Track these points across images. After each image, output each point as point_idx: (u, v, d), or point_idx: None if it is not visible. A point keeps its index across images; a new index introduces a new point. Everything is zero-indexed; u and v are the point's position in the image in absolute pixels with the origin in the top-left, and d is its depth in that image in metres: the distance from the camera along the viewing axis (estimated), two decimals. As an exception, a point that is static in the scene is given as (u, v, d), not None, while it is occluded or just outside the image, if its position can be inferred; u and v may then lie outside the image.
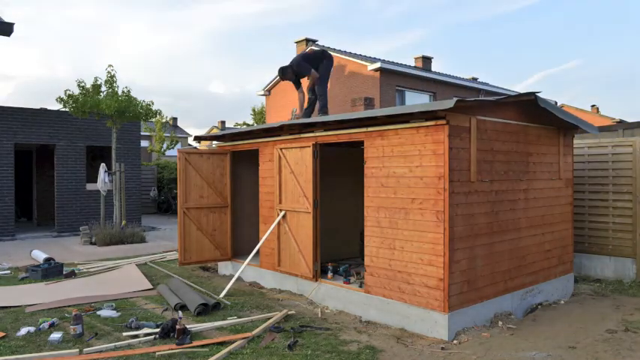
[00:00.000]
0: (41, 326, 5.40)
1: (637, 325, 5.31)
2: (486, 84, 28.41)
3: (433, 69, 26.29)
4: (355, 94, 20.99)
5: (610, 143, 7.67)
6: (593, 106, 39.86)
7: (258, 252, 7.32)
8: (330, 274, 6.62)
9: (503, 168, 5.68)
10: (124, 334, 5.21)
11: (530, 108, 5.90)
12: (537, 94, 5.62)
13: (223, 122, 60.56)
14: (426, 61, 26.43)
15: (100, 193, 12.85)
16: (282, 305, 6.29)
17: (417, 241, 5.22)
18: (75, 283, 7.72)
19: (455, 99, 4.80)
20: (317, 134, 6.55)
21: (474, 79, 28.75)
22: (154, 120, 18.39)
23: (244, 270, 7.42)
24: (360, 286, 6.04)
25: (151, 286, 7.33)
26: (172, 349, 4.70)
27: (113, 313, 5.95)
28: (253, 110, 40.33)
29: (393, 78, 21.96)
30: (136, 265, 9.00)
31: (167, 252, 10.63)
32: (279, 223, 7.04)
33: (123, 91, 12.92)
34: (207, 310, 5.94)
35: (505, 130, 5.72)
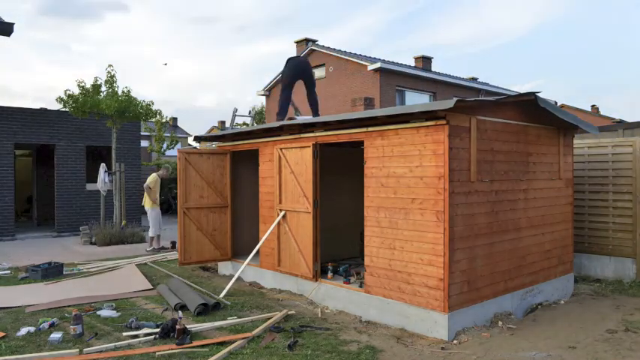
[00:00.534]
0: (41, 326, 5.40)
1: (637, 325, 5.31)
2: (486, 84, 28.42)
3: (433, 69, 26.30)
4: (355, 94, 20.98)
5: (610, 143, 7.67)
6: (593, 106, 39.87)
7: (258, 252, 7.32)
8: (330, 274, 6.62)
9: (503, 168, 5.68)
10: (124, 334, 5.21)
11: (530, 108, 5.90)
12: (537, 94, 5.62)
13: (223, 122, 60.55)
14: (426, 61, 26.45)
15: (100, 193, 12.85)
16: (282, 305, 6.29)
17: (417, 241, 5.22)
18: (75, 283, 7.72)
19: (455, 99, 4.80)
20: (317, 134, 6.55)
21: (474, 79, 28.75)
22: (153, 120, 18.36)
23: (244, 270, 7.42)
24: (360, 286, 6.04)
25: (151, 286, 7.33)
26: (172, 349, 4.70)
27: (113, 313, 5.95)
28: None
29: (393, 78, 21.96)
30: (136, 265, 9.00)
31: (167, 252, 10.64)
32: (279, 223, 7.04)
33: (123, 91, 12.92)
34: (207, 310, 5.94)
35: (505, 130, 5.72)
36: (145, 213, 11.76)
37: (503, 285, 5.70)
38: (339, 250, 8.09)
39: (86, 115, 12.83)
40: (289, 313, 5.85)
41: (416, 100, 22.31)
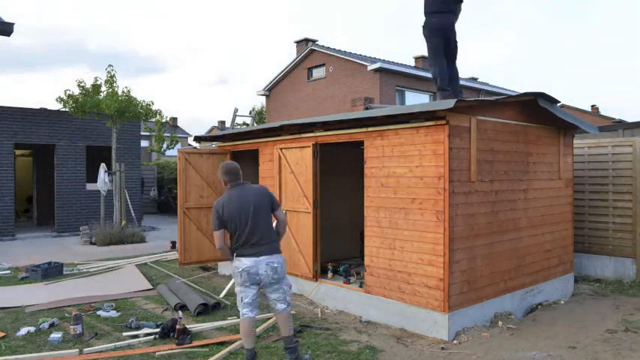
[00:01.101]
0: (41, 326, 5.40)
1: (637, 325, 5.31)
2: (486, 84, 28.42)
3: (433, 69, 26.21)
4: (355, 94, 20.98)
5: (610, 143, 7.66)
6: (593, 106, 39.84)
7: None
8: (330, 274, 6.62)
9: (503, 168, 5.68)
10: (124, 334, 5.21)
11: (530, 108, 5.90)
12: (537, 94, 5.62)
13: (223, 122, 60.54)
14: (426, 61, 26.40)
15: (100, 193, 12.85)
16: (282, 305, 6.28)
17: (417, 241, 5.21)
18: (75, 283, 7.72)
19: (455, 99, 4.80)
20: (317, 134, 6.55)
21: (474, 79, 28.76)
22: (153, 120, 18.37)
23: (244, 270, 7.41)
24: (360, 286, 6.04)
25: (151, 286, 7.33)
26: (172, 349, 4.70)
27: (113, 313, 5.95)
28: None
29: (393, 78, 21.96)
30: (136, 265, 9.00)
31: (167, 252, 10.64)
32: (279, 223, 7.03)
33: (123, 91, 12.92)
34: (207, 310, 5.94)
35: (505, 130, 5.71)
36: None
37: (503, 285, 5.69)
38: (339, 250, 8.09)
39: (86, 115, 12.83)
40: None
41: (416, 100, 22.30)
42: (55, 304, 6.36)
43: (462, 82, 27.60)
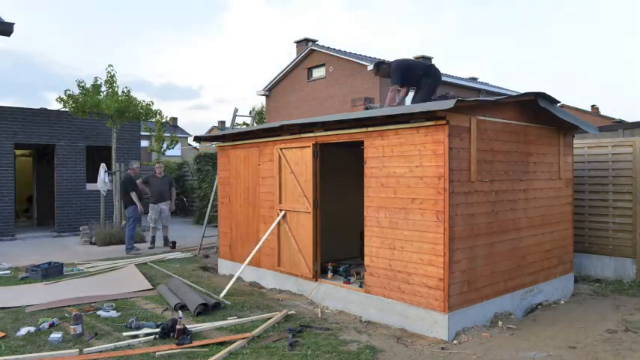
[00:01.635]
0: (41, 326, 5.40)
1: (637, 325, 5.31)
2: (486, 84, 28.43)
3: (433, 69, 26.24)
4: (355, 94, 20.98)
5: (610, 143, 7.66)
6: (593, 106, 39.85)
7: (258, 252, 7.32)
8: (330, 274, 6.62)
9: (503, 168, 5.68)
10: (124, 334, 5.21)
11: (530, 108, 5.90)
12: (537, 94, 5.62)
13: (223, 122, 60.55)
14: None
15: (100, 193, 12.84)
16: (282, 305, 6.29)
17: (417, 241, 5.22)
18: (75, 283, 7.71)
19: (455, 99, 4.80)
20: (317, 134, 6.55)
21: (474, 79, 28.76)
22: (153, 120, 18.34)
23: (244, 270, 7.41)
24: (360, 286, 6.04)
25: (151, 286, 7.33)
26: (172, 349, 4.70)
27: (113, 313, 5.95)
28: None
29: (393, 78, 21.91)
30: (136, 265, 8.99)
31: (167, 252, 10.63)
32: (279, 223, 7.04)
33: (123, 91, 12.90)
34: (207, 310, 5.94)
35: (505, 130, 5.71)
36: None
37: (503, 285, 5.69)
38: (339, 250, 8.08)
39: (86, 115, 12.81)
40: (289, 313, 5.85)
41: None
42: (55, 304, 6.36)
43: (462, 82, 27.58)
